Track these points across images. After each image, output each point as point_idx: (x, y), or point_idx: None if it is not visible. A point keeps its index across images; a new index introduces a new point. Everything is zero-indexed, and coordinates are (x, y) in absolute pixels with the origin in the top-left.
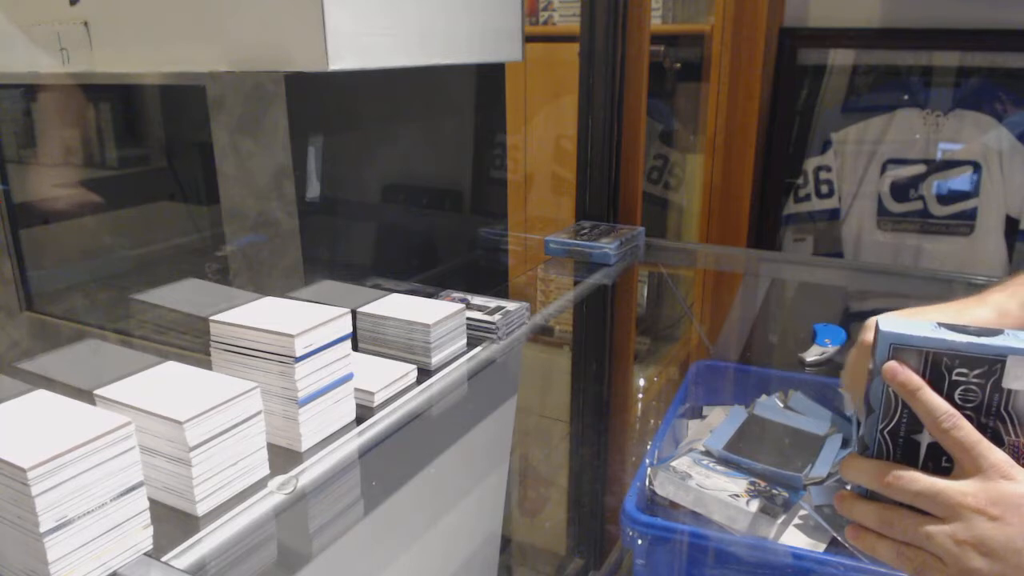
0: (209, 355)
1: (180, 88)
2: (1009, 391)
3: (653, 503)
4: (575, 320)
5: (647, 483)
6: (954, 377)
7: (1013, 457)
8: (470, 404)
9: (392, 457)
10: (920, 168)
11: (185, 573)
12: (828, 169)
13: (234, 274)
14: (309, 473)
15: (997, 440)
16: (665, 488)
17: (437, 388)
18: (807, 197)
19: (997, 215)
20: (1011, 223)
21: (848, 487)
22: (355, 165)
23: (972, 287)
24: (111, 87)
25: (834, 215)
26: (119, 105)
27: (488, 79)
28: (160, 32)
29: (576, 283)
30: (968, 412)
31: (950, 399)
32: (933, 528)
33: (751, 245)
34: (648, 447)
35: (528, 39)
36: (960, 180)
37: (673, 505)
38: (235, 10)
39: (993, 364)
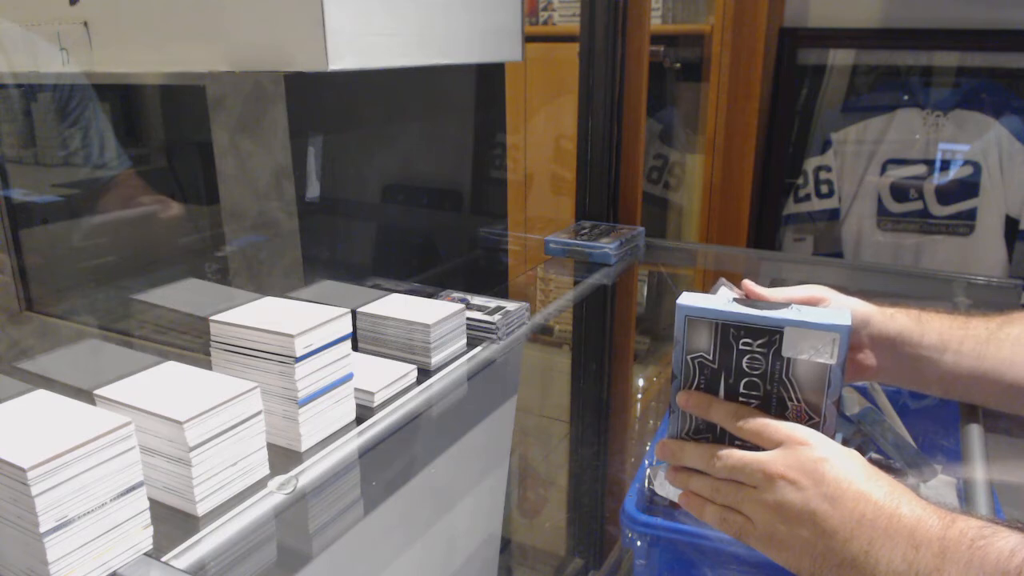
0: (209, 355)
1: (180, 88)
2: (788, 359)
3: (653, 503)
4: (575, 320)
5: (647, 483)
6: (741, 346)
7: (797, 420)
8: (470, 404)
9: (392, 457)
10: (920, 168)
11: (185, 573)
12: (828, 169)
13: (234, 274)
14: (309, 473)
15: (782, 405)
16: (665, 488)
17: (437, 388)
18: (807, 197)
19: (997, 215)
20: (1011, 223)
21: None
22: (355, 165)
23: (972, 287)
24: (111, 87)
25: (834, 215)
26: (118, 105)
27: (488, 79)
28: (160, 32)
29: (576, 283)
30: (755, 378)
31: (739, 366)
32: (747, 494)
33: (751, 245)
34: (648, 447)
35: (528, 39)
36: (960, 180)
37: (673, 505)
38: (235, 10)
39: (773, 334)
